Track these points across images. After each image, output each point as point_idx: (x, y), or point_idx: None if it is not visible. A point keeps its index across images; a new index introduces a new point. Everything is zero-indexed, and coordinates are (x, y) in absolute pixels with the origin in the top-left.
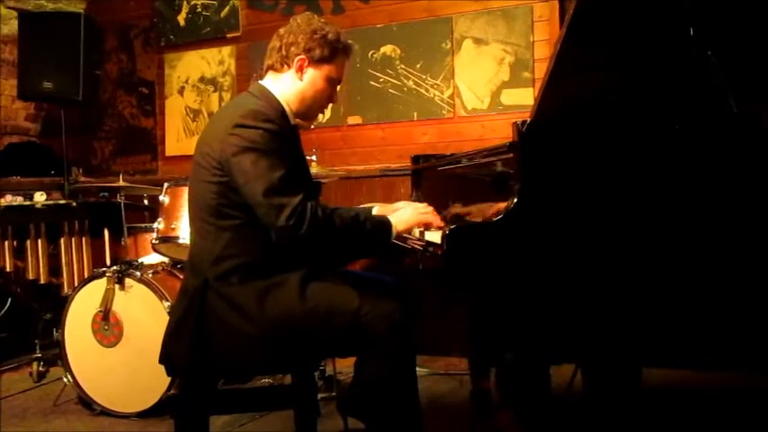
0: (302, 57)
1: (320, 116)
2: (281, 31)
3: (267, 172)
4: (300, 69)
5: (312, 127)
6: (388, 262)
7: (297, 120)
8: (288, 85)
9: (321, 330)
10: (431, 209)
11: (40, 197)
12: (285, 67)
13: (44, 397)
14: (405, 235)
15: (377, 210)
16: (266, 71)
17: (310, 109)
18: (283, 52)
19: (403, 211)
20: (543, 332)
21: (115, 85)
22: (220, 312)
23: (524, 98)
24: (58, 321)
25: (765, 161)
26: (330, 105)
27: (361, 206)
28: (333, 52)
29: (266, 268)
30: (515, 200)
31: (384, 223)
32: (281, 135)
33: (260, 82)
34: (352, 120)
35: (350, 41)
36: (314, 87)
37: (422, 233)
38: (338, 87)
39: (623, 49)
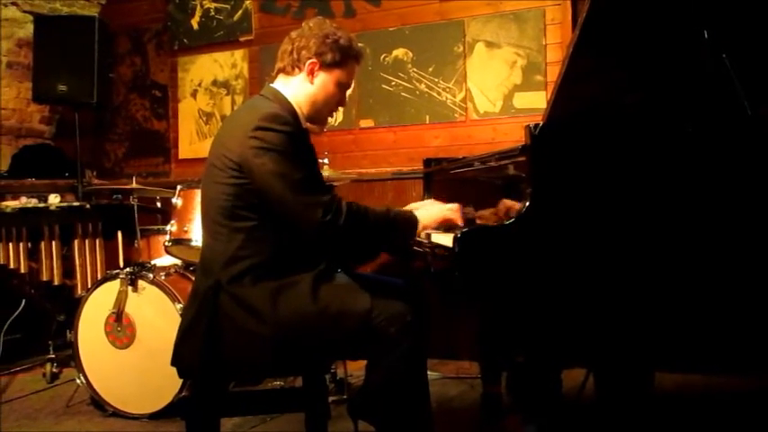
0: (313, 60)
1: (330, 120)
2: (293, 34)
3: (293, 172)
4: (311, 73)
5: (325, 130)
6: (398, 264)
7: (307, 124)
8: (298, 89)
9: (333, 331)
10: (456, 206)
11: (53, 199)
12: (296, 70)
13: (57, 398)
14: (417, 239)
15: None
16: (277, 74)
17: (320, 113)
18: (295, 56)
19: (429, 206)
20: (554, 336)
21: (128, 88)
22: (233, 313)
23: (537, 101)
24: (71, 323)
25: None
26: (341, 108)
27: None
28: (344, 57)
29: (279, 269)
30: (527, 203)
31: (411, 218)
32: (298, 137)
33: (271, 85)
34: (364, 123)
35: (361, 47)
36: (324, 91)
37: (428, 236)
38: (347, 92)
39: (636, 52)
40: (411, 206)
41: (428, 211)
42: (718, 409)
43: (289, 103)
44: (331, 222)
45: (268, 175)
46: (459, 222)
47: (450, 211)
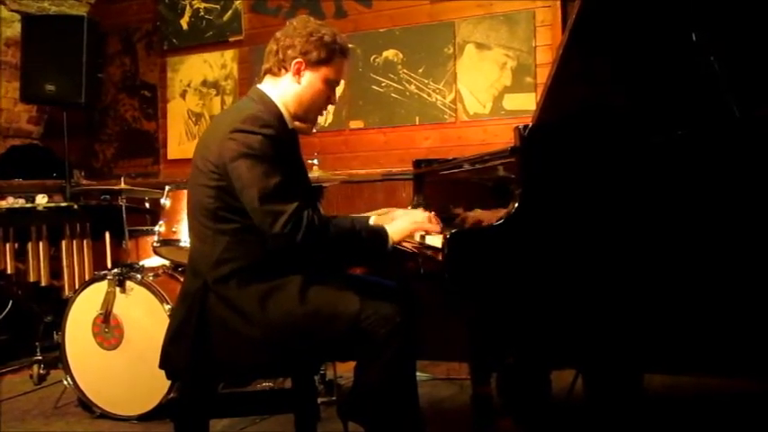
0: (299, 60)
1: (321, 120)
2: (278, 34)
3: (263, 178)
4: (298, 72)
5: (315, 131)
6: (389, 266)
7: (296, 123)
8: (286, 89)
9: (322, 333)
10: (427, 215)
11: (41, 200)
12: (282, 70)
13: (44, 399)
14: (408, 240)
15: (373, 220)
16: (264, 75)
17: (309, 112)
18: (280, 56)
19: (400, 220)
20: (544, 337)
21: (118, 88)
22: (221, 315)
23: (526, 103)
24: (59, 324)
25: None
26: (332, 109)
27: (358, 215)
28: (330, 54)
29: (266, 271)
30: (517, 204)
31: (380, 233)
32: (280, 140)
33: (258, 86)
34: (354, 124)
35: (347, 43)
36: (312, 90)
37: (423, 237)
38: (337, 89)
39: (626, 54)
40: (394, 213)
41: (399, 225)
42: (706, 409)
43: (274, 104)
44: (288, 235)
45: (239, 179)
46: (435, 231)
47: (422, 222)
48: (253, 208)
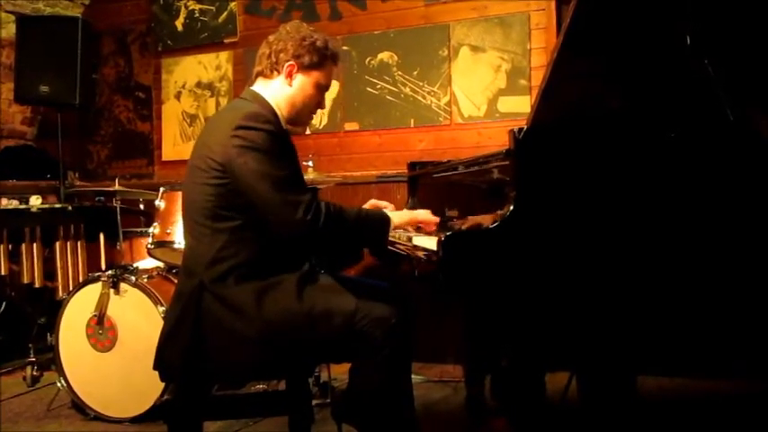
0: (291, 63)
1: (314, 122)
2: (271, 38)
3: (275, 170)
4: (290, 75)
5: (308, 132)
6: (385, 268)
7: (287, 126)
8: (278, 91)
9: (318, 331)
10: (424, 212)
11: (35, 201)
12: (275, 73)
13: (38, 401)
14: (401, 242)
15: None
16: (256, 77)
17: (300, 114)
18: (273, 59)
19: (400, 211)
20: (538, 339)
21: (112, 89)
22: (217, 314)
23: (521, 106)
24: (53, 325)
25: (761, 167)
26: (326, 111)
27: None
28: (321, 59)
29: (263, 269)
30: (511, 207)
31: (383, 217)
32: (280, 137)
33: (250, 88)
34: (349, 126)
35: (338, 48)
36: (303, 93)
37: (409, 239)
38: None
39: (620, 57)
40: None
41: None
42: (699, 411)
43: (269, 104)
44: (311, 222)
45: (250, 173)
46: (431, 226)
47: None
48: (269, 198)
